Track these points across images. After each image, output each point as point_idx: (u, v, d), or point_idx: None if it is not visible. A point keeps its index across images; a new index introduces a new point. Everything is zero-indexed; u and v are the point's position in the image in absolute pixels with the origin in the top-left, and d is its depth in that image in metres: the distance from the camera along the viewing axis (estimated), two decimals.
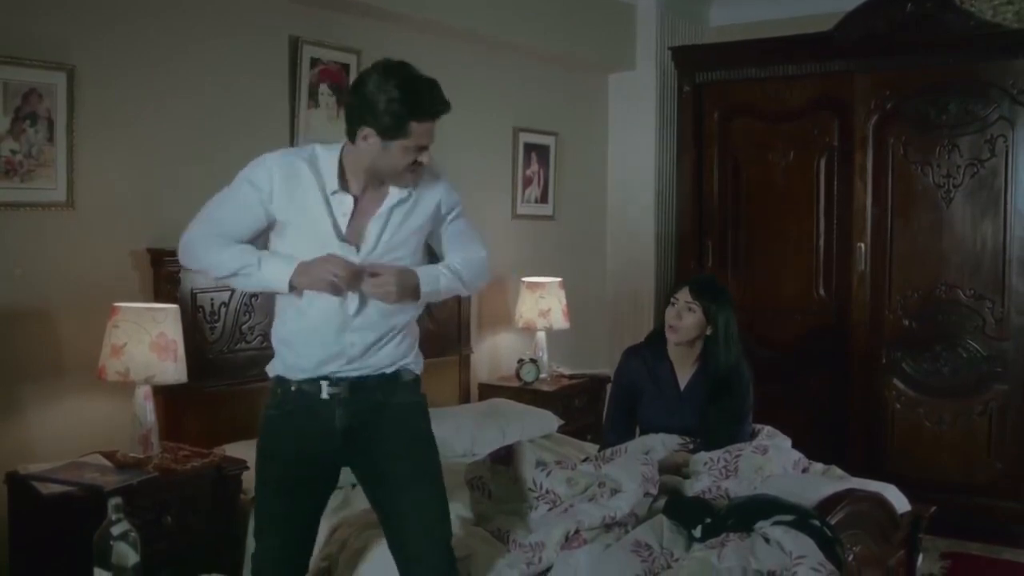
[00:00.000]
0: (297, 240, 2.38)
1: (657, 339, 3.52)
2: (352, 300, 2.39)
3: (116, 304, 3.03)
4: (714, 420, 3.31)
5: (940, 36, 4.57)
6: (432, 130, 2.34)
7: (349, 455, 2.51)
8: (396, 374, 2.50)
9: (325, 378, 2.43)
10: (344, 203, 2.39)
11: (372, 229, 2.40)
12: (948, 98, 4.66)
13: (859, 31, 4.76)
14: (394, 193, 2.41)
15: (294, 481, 2.49)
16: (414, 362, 2.55)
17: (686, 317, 3.37)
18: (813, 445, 3.56)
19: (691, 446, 3.30)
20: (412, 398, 2.55)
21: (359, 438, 2.47)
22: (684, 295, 3.40)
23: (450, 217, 2.54)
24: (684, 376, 3.44)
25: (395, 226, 2.42)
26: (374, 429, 2.47)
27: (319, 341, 2.42)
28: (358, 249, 2.38)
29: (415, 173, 2.41)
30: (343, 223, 2.39)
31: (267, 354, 3.61)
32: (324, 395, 2.44)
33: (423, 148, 2.34)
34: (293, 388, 2.46)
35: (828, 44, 4.84)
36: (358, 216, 2.40)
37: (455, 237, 2.56)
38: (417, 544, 2.47)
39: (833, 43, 4.82)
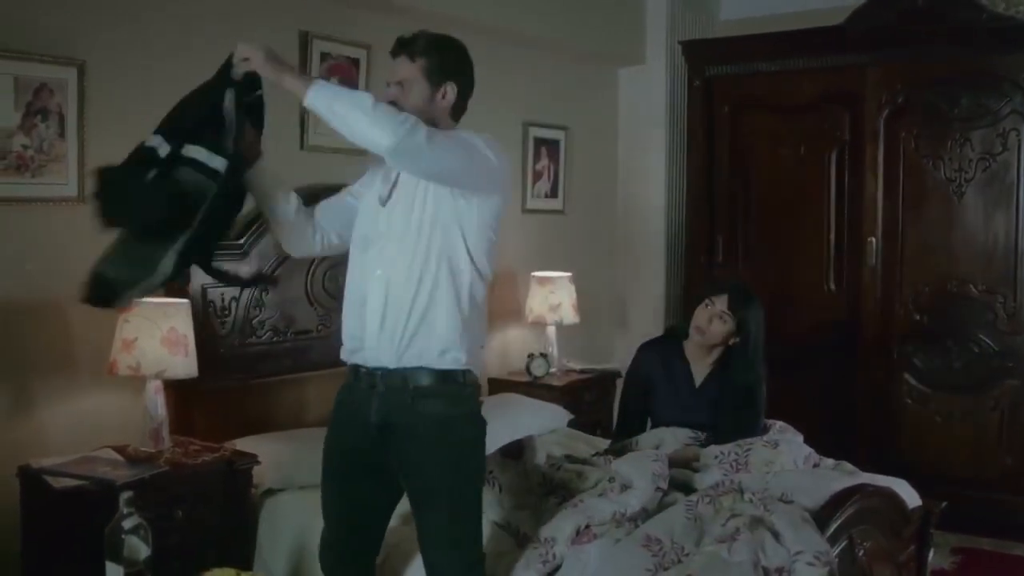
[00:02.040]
0: None
1: (674, 335, 3.51)
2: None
3: None
4: (728, 425, 3.29)
5: (952, 29, 4.54)
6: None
7: (387, 454, 2.41)
8: (429, 373, 2.34)
9: (359, 366, 2.42)
10: None
11: None
12: (960, 92, 4.63)
13: (870, 24, 4.73)
14: None
15: (336, 471, 2.49)
16: (454, 359, 2.34)
17: (716, 325, 3.33)
18: (823, 440, 3.55)
19: (701, 439, 3.30)
20: (446, 410, 2.36)
21: (392, 438, 2.39)
22: (722, 303, 3.33)
23: None
24: (700, 374, 3.43)
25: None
26: (405, 434, 2.37)
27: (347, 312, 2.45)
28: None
29: None
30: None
31: (277, 348, 3.69)
32: (362, 385, 2.42)
33: None
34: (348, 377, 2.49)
35: (839, 37, 4.81)
36: None
37: None
38: (427, 561, 2.44)
39: (844, 36, 4.79)
